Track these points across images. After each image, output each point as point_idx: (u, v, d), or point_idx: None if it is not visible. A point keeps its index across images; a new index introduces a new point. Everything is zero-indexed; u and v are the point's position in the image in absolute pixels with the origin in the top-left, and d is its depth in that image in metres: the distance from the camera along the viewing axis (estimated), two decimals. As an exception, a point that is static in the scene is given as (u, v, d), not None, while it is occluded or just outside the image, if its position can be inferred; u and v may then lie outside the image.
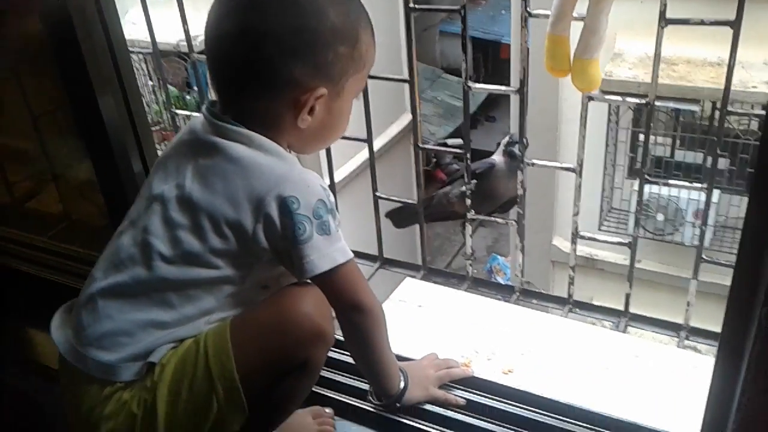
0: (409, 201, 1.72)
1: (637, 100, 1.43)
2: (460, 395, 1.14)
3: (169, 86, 6.09)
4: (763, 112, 3.98)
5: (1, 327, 1.60)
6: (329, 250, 0.91)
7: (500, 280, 6.65)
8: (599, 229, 4.77)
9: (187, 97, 5.94)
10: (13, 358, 1.56)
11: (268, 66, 0.87)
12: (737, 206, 4.54)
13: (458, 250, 7.94)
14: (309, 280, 0.94)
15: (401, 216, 2.26)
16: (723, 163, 4.67)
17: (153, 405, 0.91)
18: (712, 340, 1.50)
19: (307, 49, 0.87)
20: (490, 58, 8.65)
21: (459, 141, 8.36)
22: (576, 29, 1.32)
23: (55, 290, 1.52)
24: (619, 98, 1.57)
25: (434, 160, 7.41)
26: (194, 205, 0.91)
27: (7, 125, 1.65)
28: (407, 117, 4.45)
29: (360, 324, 0.97)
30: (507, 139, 2.19)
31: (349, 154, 3.72)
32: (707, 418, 0.92)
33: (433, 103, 7.61)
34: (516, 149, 1.86)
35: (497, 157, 2.28)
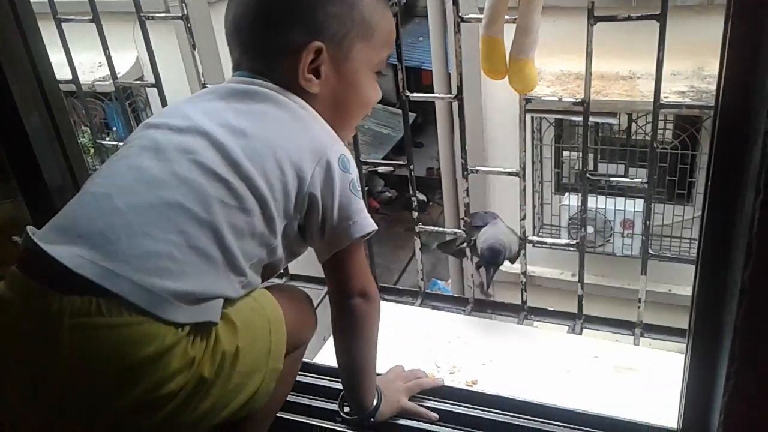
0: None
1: (573, 99, 1.44)
2: (430, 406, 1.08)
3: (86, 129, 5.90)
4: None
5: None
6: (366, 214, 0.90)
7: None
8: (533, 246, 4.86)
9: (107, 138, 5.75)
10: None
11: (268, 32, 0.88)
12: (660, 214, 4.73)
13: (398, 277, 7.95)
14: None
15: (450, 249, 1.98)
16: (642, 174, 4.86)
17: (227, 373, 0.78)
18: (666, 335, 1.50)
19: (295, 11, 0.87)
20: (413, 85, 8.80)
21: (389, 168, 8.44)
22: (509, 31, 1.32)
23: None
24: (555, 97, 1.56)
25: (366, 188, 7.41)
26: (249, 136, 0.83)
27: None
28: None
29: (364, 313, 0.93)
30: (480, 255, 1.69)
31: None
32: (687, 404, 0.90)
33: (361, 131, 7.64)
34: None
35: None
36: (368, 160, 1.68)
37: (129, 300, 0.71)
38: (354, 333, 0.95)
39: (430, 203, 8.69)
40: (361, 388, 1.02)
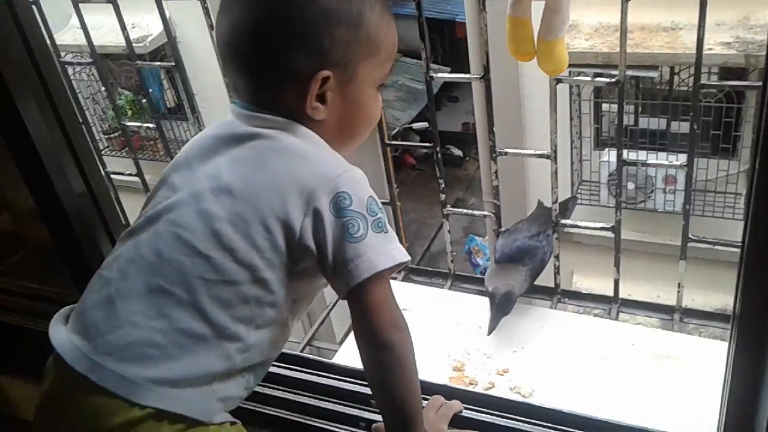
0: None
1: (607, 80, 1.36)
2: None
3: (124, 90, 5.90)
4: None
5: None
6: (387, 247, 0.83)
7: (479, 260, 6.65)
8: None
9: (143, 101, 5.74)
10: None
11: (270, 59, 0.83)
12: (704, 169, 4.56)
13: (435, 233, 7.92)
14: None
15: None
16: (685, 127, 4.68)
17: None
18: (708, 320, 1.45)
19: (299, 37, 0.82)
20: (447, 38, 8.59)
21: (425, 124, 8.32)
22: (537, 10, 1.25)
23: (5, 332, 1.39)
24: (587, 78, 1.50)
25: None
26: (235, 196, 0.82)
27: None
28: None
29: (392, 365, 0.86)
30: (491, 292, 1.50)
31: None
32: (730, 406, 0.84)
33: (395, 87, 7.54)
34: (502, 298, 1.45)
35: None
36: (394, 143, 1.62)
37: (110, 390, 0.79)
38: (388, 386, 0.88)
39: (467, 158, 8.57)
40: None
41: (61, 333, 0.85)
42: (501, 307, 1.43)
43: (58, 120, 1.02)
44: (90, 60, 1.91)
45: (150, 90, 6.09)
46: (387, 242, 0.84)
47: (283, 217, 0.81)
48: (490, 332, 1.44)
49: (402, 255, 0.85)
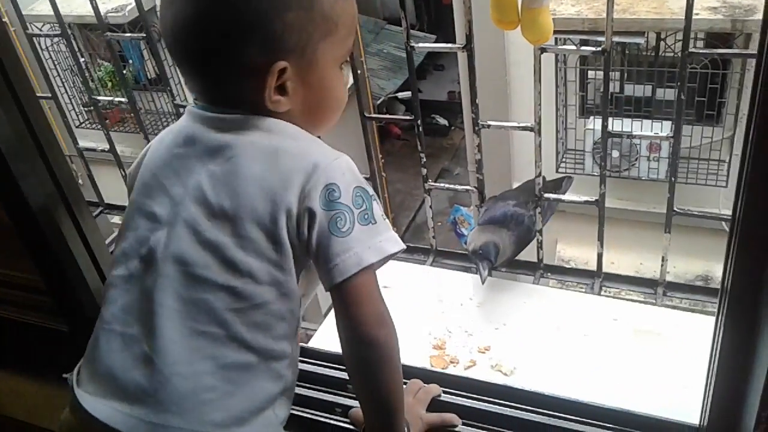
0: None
1: (592, 49, 1.32)
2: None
3: (103, 62, 5.75)
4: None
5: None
6: (376, 239, 0.79)
7: (464, 231, 6.65)
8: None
9: (124, 72, 5.59)
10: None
11: (220, 55, 0.78)
12: (688, 136, 4.55)
13: (420, 204, 7.90)
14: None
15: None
16: (670, 94, 4.65)
17: None
18: (691, 294, 1.43)
19: (248, 27, 0.76)
20: (432, 4, 8.45)
21: (410, 94, 8.24)
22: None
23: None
24: (573, 47, 1.45)
25: (387, 113, 7.26)
26: (232, 217, 0.78)
27: None
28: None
29: (376, 360, 0.83)
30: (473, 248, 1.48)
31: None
32: (717, 382, 0.82)
33: (379, 56, 7.40)
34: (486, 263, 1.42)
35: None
36: (375, 116, 1.58)
37: None
38: (371, 381, 0.86)
39: (452, 128, 8.51)
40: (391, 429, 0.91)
41: (99, 404, 0.80)
42: (485, 255, 1.40)
43: (15, 98, 0.95)
44: (58, 32, 1.84)
45: (130, 61, 5.95)
46: (376, 234, 0.80)
47: (284, 222, 0.78)
48: (483, 282, 1.42)
49: (392, 245, 0.81)
